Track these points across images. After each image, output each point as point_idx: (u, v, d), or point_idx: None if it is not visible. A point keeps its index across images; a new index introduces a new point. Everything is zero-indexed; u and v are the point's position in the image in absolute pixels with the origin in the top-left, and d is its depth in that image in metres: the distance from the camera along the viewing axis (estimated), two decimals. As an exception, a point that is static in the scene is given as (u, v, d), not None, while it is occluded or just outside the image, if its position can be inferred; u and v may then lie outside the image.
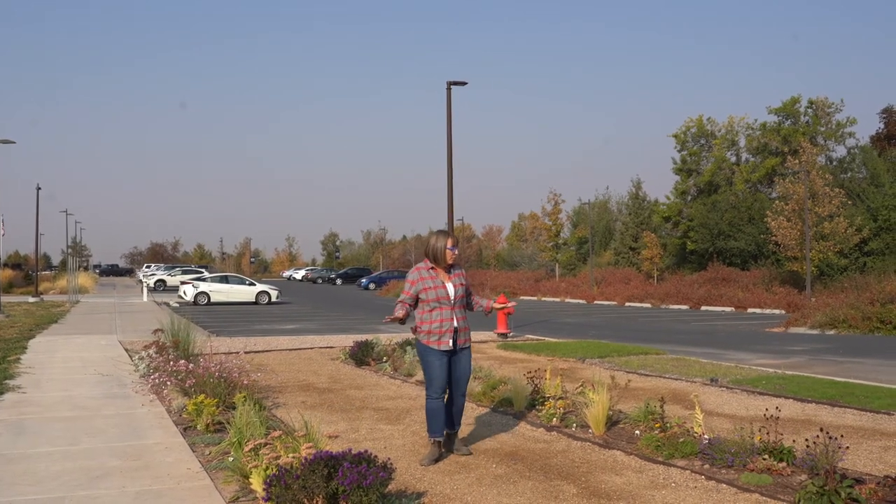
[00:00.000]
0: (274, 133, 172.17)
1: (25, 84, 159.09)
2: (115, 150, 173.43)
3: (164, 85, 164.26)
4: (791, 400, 9.02)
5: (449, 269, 6.35)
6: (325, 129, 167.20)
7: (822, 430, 5.68)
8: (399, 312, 6.20)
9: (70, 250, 67.80)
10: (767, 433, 5.99)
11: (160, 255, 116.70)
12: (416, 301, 6.29)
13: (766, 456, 5.71)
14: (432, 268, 6.31)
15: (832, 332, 21.87)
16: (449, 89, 20.50)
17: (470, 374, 6.50)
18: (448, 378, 6.28)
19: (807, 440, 5.70)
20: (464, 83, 20.62)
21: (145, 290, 41.12)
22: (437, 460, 6.20)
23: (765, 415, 6.55)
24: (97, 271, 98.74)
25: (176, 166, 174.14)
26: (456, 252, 6.31)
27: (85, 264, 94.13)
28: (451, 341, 6.19)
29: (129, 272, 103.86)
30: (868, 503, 4.82)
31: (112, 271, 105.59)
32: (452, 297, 6.23)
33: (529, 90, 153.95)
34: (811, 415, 8.18)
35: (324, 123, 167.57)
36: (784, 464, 5.63)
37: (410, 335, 14.68)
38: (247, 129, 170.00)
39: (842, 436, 5.84)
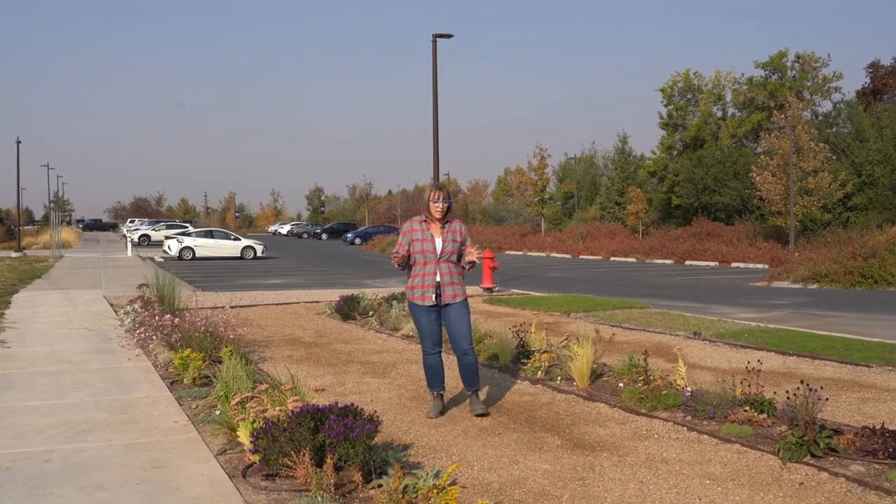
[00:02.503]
0: (261, 88, 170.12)
1: (8, 39, 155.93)
2: (98, 104, 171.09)
3: (149, 39, 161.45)
4: (773, 353, 9.14)
5: (444, 223, 6.12)
6: (312, 84, 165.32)
7: (802, 382, 5.76)
8: (394, 262, 6.14)
9: (52, 205, 67.08)
10: (749, 385, 6.07)
11: (144, 209, 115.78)
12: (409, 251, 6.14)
13: (748, 408, 5.79)
14: (425, 220, 6.15)
15: (814, 286, 22.09)
16: (434, 42, 20.22)
17: (467, 329, 6.14)
18: (439, 333, 6.23)
19: (787, 392, 5.78)
20: (449, 35, 20.34)
21: (129, 244, 40.88)
22: (441, 412, 6.22)
23: (746, 367, 6.63)
24: (80, 226, 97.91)
25: (159, 120, 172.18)
26: (440, 206, 6.02)
27: (68, 219, 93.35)
28: (433, 296, 6.06)
29: (112, 227, 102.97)
30: (846, 453, 4.91)
31: (95, 226, 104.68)
32: (439, 252, 6.04)
33: (516, 45, 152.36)
34: (792, 367, 8.30)
35: (310, 78, 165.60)
36: (765, 415, 5.72)
37: (397, 290, 14.78)
38: (233, 85, 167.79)
39: (822, 388, 5.91)
